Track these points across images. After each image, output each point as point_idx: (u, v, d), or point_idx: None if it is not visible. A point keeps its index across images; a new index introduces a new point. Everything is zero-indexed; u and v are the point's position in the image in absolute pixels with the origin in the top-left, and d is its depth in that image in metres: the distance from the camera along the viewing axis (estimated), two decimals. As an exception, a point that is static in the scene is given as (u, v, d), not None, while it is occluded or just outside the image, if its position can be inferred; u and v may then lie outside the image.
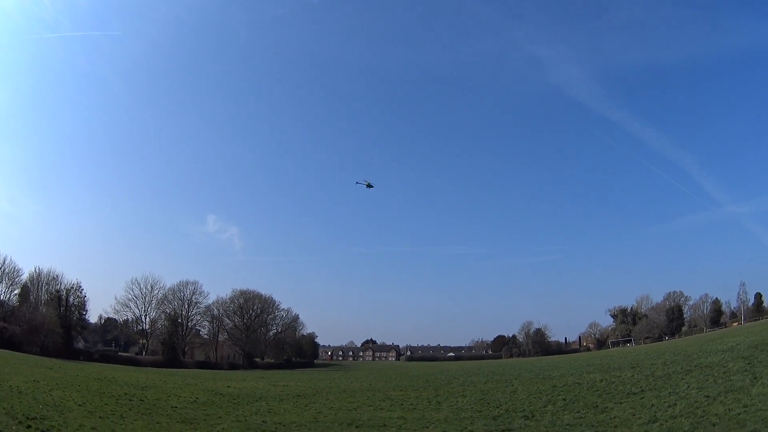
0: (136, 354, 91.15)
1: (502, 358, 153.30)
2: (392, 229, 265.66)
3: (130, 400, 23.58)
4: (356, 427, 17.98)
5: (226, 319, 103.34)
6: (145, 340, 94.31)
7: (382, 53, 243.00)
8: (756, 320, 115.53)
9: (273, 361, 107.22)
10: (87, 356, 69.41)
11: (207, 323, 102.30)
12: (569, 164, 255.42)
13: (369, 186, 39.36)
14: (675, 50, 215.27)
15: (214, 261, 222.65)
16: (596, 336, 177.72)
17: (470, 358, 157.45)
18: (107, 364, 59.24)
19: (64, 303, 74.72)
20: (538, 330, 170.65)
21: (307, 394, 31.21)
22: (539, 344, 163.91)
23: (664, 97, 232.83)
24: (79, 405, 19.86)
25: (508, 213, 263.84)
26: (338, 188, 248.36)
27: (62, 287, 77.04)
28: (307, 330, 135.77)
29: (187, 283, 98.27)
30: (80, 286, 78.64)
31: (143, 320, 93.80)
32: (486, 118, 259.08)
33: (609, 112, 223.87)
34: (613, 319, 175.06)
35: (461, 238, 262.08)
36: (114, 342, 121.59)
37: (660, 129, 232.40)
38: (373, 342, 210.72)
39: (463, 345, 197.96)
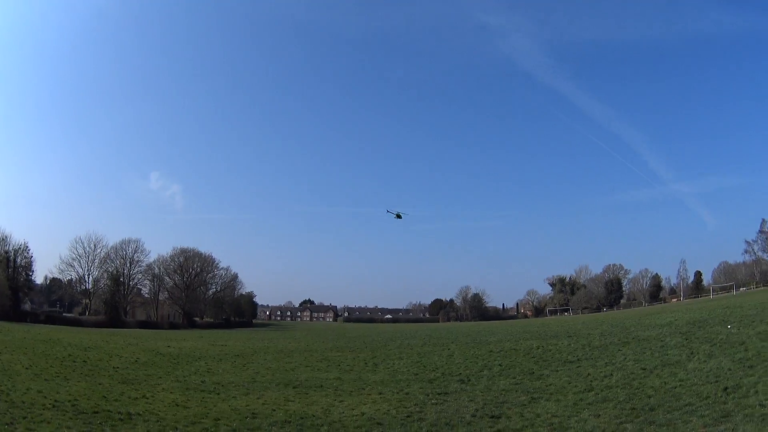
0: (80, 314, 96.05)
1: (439, 321, 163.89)
2: (333, 190, 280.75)
3: (74, 362, 25.42)
4: (293, 387, 19.25)
5: (167, 278, 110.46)
6: (88, 300, 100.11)
7: (331, 14, 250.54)
8: (695, 297, 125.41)
9: (212, 320, 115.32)
10: (33, 318, 74.45)
11: (148, 282, 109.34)
12: (514, 133, 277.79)
13: (398, 216, 41.02)
14: (631, 28, 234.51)
15: (156, 218, 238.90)
16: (534, 303, 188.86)
17: (407, 321, 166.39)
18: (53, 326, 64.19)
19: (12, 264, 77.44)
20: (476, 295, 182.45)
21: (246, 354, 33.66)
22: (477, 309, 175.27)
23: (616, 73, 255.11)
24: (26, 368, 21.60)
25: (451, 177, 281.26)
26: (276, 148, 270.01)
27: (10, 248, 79.26)
28: (246, 289, 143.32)
29: (129, 241, 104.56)
30: (27, 247, 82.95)
31: (86, 280, 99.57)
32: (432, 82, 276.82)
33: (558, 84, 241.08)
34: (551, 288, 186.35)
35: (403, 201, 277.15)
36: (59, 303, 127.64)
37: (609, 105, 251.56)
38: (311, 302, 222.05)
39: (401, 308, 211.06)
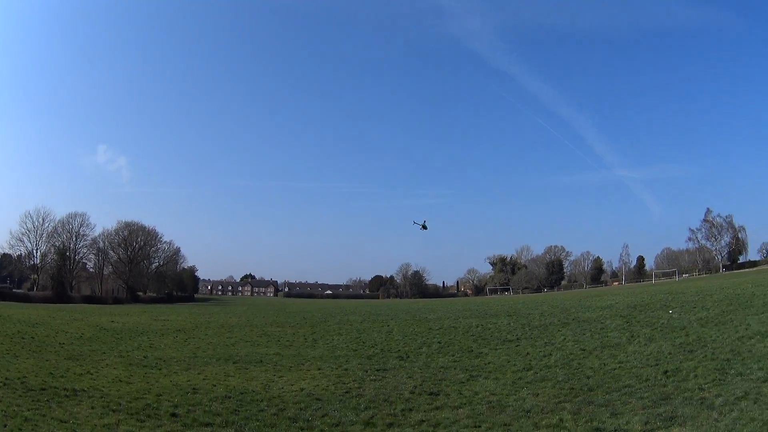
0: (28, 290, 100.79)
1: (379, 298, 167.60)
2: (276, 162, 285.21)
3: (23, 338, 26.34)
4: (234, 363, 19.99)
5: (111, 252, 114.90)
6: (36, 276, 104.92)
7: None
8: (637, 282, 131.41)
9: (155, 295, 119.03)
10: (-17, 294, 78.40)
11: (93, 256, 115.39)
12: (461, 113, 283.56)
13: (424, 227, 41.18)
14: (586, 16, 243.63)
15: (102, 192, 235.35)
16: (474, 282, 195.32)
17: (347, 297, 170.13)
18: (2, 302, 65.64)
19: (-35, 241, 79.84)
20: (416, 272, 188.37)
21: (187, 329, 35.10)
22: (417, 286, 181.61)
23: (568, 58, 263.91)
24: (-23, 346, 22.10)
25: (394, 154, 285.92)
26: (217, 123, 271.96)
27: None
28: (189, 264, 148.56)
29: (75, 215, 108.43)
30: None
31: (35, 255, 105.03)
32: (379, 57, 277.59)
33: (509, 68, 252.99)
34: (492, 267, 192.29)
35: (346, 176, 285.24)
36: (9, 278, 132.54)
37: (558, 89, 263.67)
38: (252, 277, 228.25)
39: (341, 283, 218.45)
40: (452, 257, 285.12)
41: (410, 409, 12.43)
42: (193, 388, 14.90)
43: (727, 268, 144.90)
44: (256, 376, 17.10)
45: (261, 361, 20.38)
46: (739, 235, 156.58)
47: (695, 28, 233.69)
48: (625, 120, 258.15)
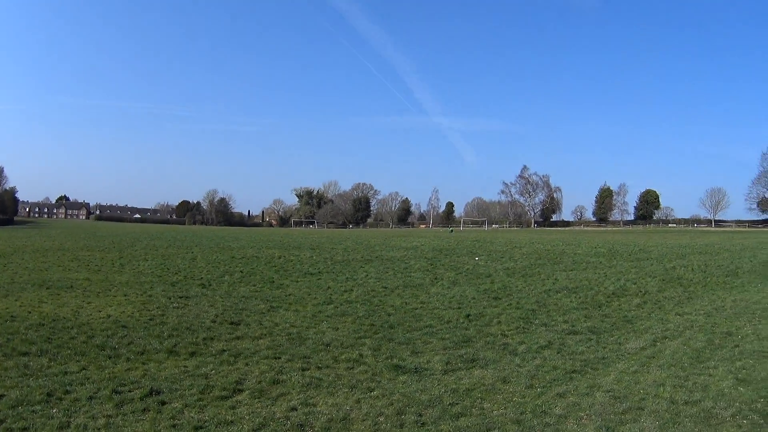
0: None
1: (185, 224, 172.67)
2: (94, 79, 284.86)
3: None
4: (47, 288, 19.50)
5: None
6: None
7: None
8: (444, 226, 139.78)
9: None
10: None
11: None
12: (285, 43, 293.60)
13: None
14: None
15: None
16: (280, 213, 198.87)
17: (155, 222, 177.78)
18: None
19: None
20: (223, 200, 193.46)
21: (6, 254, 33.90)
22: (223, 214, 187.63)
23: (400, 3, 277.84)
24: None
25: (208, 77, 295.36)
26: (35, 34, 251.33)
27: None
28: (10, 184, 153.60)
29: None
30: None
31: None
32: None
33: (339, 4, 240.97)
34: (298, 199, 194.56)
35: (157, 97, 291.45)
36: None
37: (386, 30, 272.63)
38: (66, 199, 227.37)
39: (149, 207, 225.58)
40: (259, 186, 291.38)
41: (212, 338, 12.38)
42: (12, 316, 14.38)
43: (539, 224, 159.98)
44: (67, 302, 16.72)
45: (72, 286, 19.89)
46: (555, 195, 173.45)
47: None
48: (450, 71, 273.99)
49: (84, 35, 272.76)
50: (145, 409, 7.76)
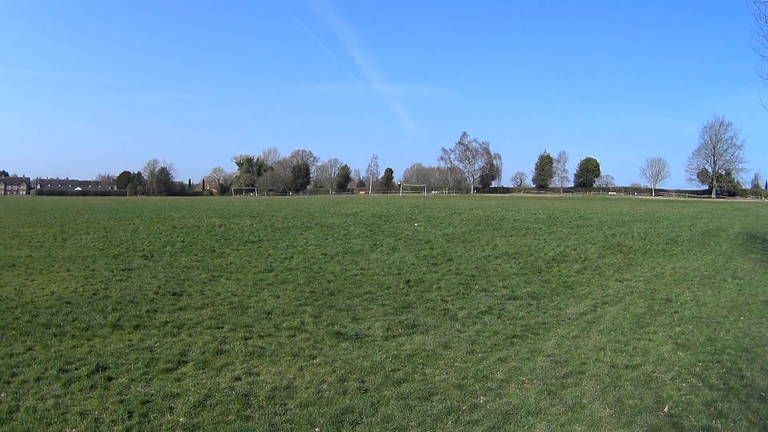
0: None
1: (126, 195, 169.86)
2: (28, 48, 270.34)
3: None
4: None
5: None
6: None
7: None
8: (383, 193, 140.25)
9: None
10: None
11: None
12: (221, 11, 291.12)
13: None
14: None
15: None
16: (220, 182, 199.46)
17: (96, 194, 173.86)
18: None
19: None
20: (163, 169, 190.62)
21: None
22: (164, 184, 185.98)
23: None
24: None
25: (148, 46, 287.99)
26: None
27: None
28: None
29: None
30: None
31: None
32: None
33: None
34: (238, 167, 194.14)
35: (95, 67, 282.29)
36: None
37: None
38: (5, 174, 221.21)
39: (90, 180, 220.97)
40: (200, 155, 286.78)
41: (155, 310, 12.27)
42: (-45, 297, 13.87)
43: (478, 191, 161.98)
44: (10, 281, 16.10)
45: (14, 264, 19.31)
46: (494, 162, 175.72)
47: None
48: (391, 38, 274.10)
49: (17, 2, 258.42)
50: (92, 386, 7.63)
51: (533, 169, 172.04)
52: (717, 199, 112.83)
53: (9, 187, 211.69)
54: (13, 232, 31.02)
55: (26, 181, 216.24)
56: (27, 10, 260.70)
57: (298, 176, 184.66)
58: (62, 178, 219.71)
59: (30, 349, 9.32)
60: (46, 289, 14.62)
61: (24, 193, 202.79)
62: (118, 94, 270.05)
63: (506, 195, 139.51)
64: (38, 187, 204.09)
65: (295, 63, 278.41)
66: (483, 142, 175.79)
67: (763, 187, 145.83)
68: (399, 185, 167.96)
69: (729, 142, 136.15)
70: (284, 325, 10.95)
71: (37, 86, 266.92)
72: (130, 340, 9.85)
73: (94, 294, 13.94)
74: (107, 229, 31.44)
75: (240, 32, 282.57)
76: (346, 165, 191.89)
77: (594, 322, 11.31)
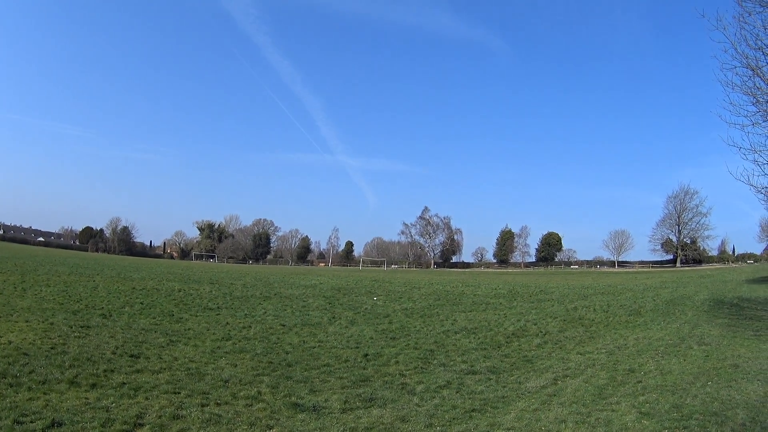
0: None
1: (88, 251, 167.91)
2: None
3: None
4: None
5: None
6: None
7: None
8: (343, 266, 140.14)
9: None
10: None
11: None
12: (189, 68, 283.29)
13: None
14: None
15: None
16: (181, 245, 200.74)
17: (58, 247, 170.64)
18: None
19: None
20: (125, 228, 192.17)
21: None
22: (125, 243, 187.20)
23: (313, 41, 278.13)
24: None
25: (109, 102, 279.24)
26: None
27: None
28: None
29: None
30: None
31: None
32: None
33: (256, 36, 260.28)
34: (199, 232, 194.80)
35: (60, 116, 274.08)
36: None
37: (297, 66, 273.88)
38: None
39: (54, 231, 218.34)
40: (161, 217, 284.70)
41: (112, 371, 12.14)
42: None
43: (439, 265, 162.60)
44: None
45: None
46: (455, 237, 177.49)
47: (447, 36, 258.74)
48: (354, 111, 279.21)
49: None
50: (47, 442, 7.52)
51: (494, 244, 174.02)
52: (682, 268, 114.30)
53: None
54: (-28, 277, 30.52)
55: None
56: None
57: (259, 245, 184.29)
58: (25, 226, 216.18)
59: (-15, 397, 9.18)
60: (3, 338, 14.49)
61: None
62: (86, 146, 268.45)
63: (467, 270, 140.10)
64: (1, 232, 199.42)
65: (261, 130, 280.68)
66: (444, 217, 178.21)
67: (730, 253, 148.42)
68: (359, 259, 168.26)
69: (695, 210, 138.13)
70: (241, 393, 10.88)
71: (3, 129, 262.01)
72: (86, 398, 9.75)
73: (52, 348, 13.78)
74: (67, 284, 31.38)
75: (209, 94, 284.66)
76: (306, 236, 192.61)
77: (555, 395, 11.42)
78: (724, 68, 16.29)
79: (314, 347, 16.79)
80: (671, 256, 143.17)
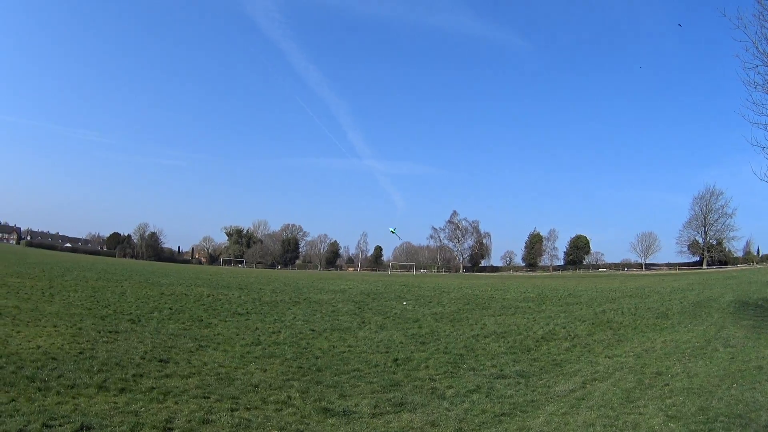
0: None
1: (116, 256, 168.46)
2: (30, 99, 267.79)
3: None
4: None
5: None
6: None
7: None
8: (372, 270, 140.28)
9: None
10: None
11: None
12: (220, 75, 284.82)
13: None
14: (371, 4, 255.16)
15: None
16: (209, 251, 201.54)
17: (86, 252, 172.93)
18: None
19: None
20: (153, 234, 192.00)
21: None
22: (153, 248, 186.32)
23: (338, 46, 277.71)
24: None
25: (139, 109, 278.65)
26: None
27: None
28: None
29: None
30: None
31: None
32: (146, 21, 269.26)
33: (282, 42, 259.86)
34: (227, 238, 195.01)
35: (93, 125, 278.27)
36: None
37: (324, 71, 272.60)
38: None
39: (81, 237, 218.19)
40: (190, 223, 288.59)
41: (141, 375, 12.22)
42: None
43: (468, 269, 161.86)
44: None
45: (0, 314, 19.46)
46: (484, 241, 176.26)
47: (472, 39, 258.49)
48: (383, 115, 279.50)
49: (26, 51, 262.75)
50: (76, 445, 7.56)
51: (523, 248, 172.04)
52: (708, 270, 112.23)
53: (1, 236, 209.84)
54: (1, 281, 31.03)
55: (17, 230, 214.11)
56: (31, 57, 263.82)
57: (288, 250, 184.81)
58: (53, 232, 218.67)
59: (13, 400, 9.34)
60: (32, 342, 14.62)
61: (14, 242, 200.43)
62: (113, 153, 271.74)
63: (496, 274, 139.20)
64: (29, 238, 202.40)
65: (289, 136, 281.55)
66: (473, 221, 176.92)
67: (755, 253, 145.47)
68: (388, 264, 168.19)
69: (720, 211, 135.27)
70: (271, 398, 10.95)
71: (35, 137, 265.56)
72: (115, 403, 9.83)
73: (80, 353, 13.91)
74: (95, 289, 31.53)
75: (238, 103, 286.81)
76: (335, 241, 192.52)
77: (583, 399, 11.39)
78: (746, 67, 16.10)
79: (344, 352, 16.83)
80: (698, 258, 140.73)
